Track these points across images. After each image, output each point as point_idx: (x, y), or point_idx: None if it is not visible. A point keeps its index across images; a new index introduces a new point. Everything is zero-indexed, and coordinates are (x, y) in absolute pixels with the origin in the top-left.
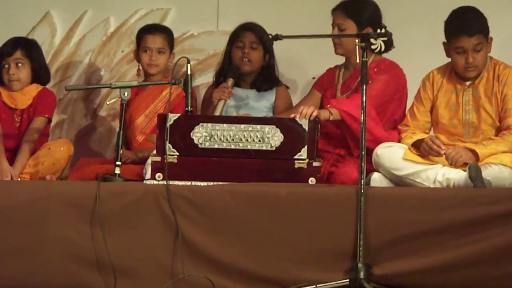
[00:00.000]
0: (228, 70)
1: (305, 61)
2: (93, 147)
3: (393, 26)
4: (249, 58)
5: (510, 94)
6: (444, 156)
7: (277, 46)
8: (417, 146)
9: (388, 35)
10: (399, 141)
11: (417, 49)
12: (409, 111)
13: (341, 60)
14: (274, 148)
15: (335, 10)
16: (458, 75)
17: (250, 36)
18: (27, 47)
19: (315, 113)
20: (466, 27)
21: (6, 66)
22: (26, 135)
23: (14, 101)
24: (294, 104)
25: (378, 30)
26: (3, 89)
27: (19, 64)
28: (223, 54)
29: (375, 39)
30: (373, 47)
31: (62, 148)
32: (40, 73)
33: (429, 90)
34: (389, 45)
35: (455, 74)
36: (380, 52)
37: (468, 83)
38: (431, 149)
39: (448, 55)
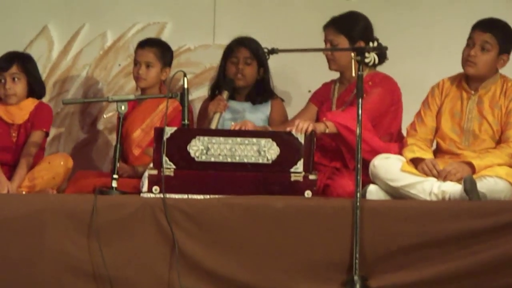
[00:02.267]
0: (222, 84)
1: (300, 74)
2: (90, 160)
3: (385, 36)
4: (243, 73)
5: None
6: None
7: (273, 59)
8: (415, 163)
9: (382, 48)
10: (402, 146)
11: (410, 59)
12: (417, 115)
13: (336, 74)
14: (270, 161)
15: (326, 27)
16: (467, 83)
17: (244, 52)
18: (23, 61)
19: (310, 128)
20: (484, 23)
21: (2, 80)
22: (24, 149)
23: (11, 116)
24: (290, 117)
25: (371, 44)
26: None
27: (15, 79)
28: (217, 68)
29: (369, 52)
30: (366, 60)
31: (61, 163)
32: (36, 87)
33: (437, 96)
34: (382, 57)
35: (464, 83)
36: (374, 65)
37: (475, 92)
38: (431, 172)
39: None
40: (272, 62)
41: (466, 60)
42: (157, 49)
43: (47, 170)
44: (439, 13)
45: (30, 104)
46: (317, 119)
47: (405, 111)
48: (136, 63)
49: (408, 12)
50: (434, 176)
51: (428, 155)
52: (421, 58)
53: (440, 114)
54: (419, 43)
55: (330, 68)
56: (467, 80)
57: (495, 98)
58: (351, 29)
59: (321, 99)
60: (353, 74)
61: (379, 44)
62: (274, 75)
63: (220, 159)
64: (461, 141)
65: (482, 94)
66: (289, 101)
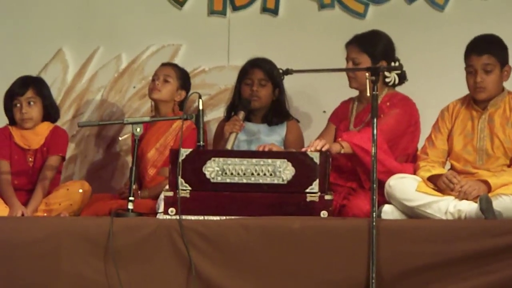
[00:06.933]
0: (238, 104)
1: (317, 94)
2: (106, 182)
3: (400, 56)
4: (258, 95)
5: None
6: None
7: (289, 79)
8: (433, 181)
9: (400, 68)
10: (414, 171)
11: (425, 79)
12: (427, 139)
13: (353, 93)
14: (286, 182)
15: (349, 44)
16: (475, 103)
17: (259, 73)
18: (37, 85)
19: (326, 147)
20: (476, 46)
21: (18, 105)
22: (41, 174)
23: (27, 142)
24: (305, 138)
25: (392, 64)
26: (14, 130)
27: (31, 103)
28: (233, 90)
29: (389, 72)
30: (387, 80)
31: (80, 190)
32: (51, 111)
33: (447, 119)
34: (402, 78)
35: (473, 103)
36: (393, 85)
37: (484, 110)
38: (450, 182)
39: None
40: (289, 82)
41: (474, 88)
42: (178, 70)
43: (65, 197)
44: (453, 33)
45: (45, 128)
46: (335, 137)
47: (424, 135)
48: (154, 78)
49: (422, 32)
50: (454, 184)
51: (443, 172)
52: (436, 78)
53: (451, 136)
54: (434, 63)
55: (350, 86)
56: (476, 100)
57: (506, 116)
58: (374, 48)
59: (339, 118)
60: (368, 94)
61: (400, 64)
62: (291, 96)
63: (236, 180)
64: (475, 160)
65: (492, 112)
66: (305, 121)
